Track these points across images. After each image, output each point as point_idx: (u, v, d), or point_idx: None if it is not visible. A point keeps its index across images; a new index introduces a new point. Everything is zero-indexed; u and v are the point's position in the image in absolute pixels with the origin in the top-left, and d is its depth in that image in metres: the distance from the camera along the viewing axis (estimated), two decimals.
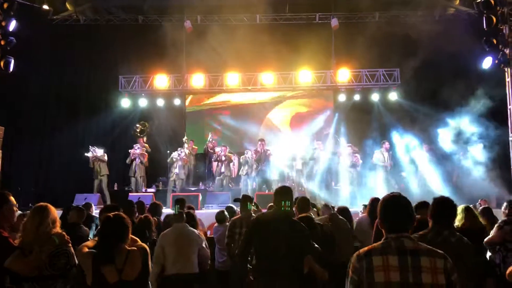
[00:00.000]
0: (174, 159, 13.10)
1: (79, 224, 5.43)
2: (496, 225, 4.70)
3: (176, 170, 12.96)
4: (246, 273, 3.94)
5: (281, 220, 3.83)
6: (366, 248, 2.41)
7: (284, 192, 4.00)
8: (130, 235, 3.19)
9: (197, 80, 15.26)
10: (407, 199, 2.43)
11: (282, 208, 3.87)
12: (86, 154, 12.93)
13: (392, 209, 2.40)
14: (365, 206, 7.13)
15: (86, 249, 3.15)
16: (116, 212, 3.27)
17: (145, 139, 13.98)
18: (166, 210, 8.40)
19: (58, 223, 3.52)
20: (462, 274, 2.95)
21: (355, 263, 2.38)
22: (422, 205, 4.85)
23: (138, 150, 13.20)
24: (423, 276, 2.21)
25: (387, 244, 2.29)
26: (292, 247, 3.69)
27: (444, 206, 3.19)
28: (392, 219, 2.36)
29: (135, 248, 3.10)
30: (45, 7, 14.26)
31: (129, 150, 13.30)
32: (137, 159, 13.13)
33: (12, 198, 3.58)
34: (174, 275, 4.62)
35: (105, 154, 13.03)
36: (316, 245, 4.05)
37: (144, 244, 3.21)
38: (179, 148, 13.39)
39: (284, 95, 16.18)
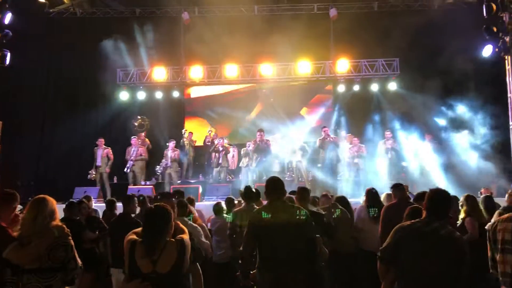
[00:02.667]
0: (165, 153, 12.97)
1: (69, 218, 5.49)
2: (496, 212, 4.67)
3: (169, 163, 12.82)
4: (250, 268, 3.90)
5: (281, 210, 3.84)
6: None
7: (274, 182, 4.02)
8: (176, 224, 3.17)
9: (196, 72, 15.20)
10: None
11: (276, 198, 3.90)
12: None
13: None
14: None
15: (130, 236, 3.09)
16: (159, 204, 3.18)
17: (145, 134, 13.94)
18: None
19: (57, 215, 3.50)
20: (448, 269, 2.93)
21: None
22: (423, 196, 4.84)
23: (134, 154, 12.80)
24: None
25: None
26: (299, 234, 3.73)
27: (438, 198, 3.15)
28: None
29: (173, 240, 3.03)
30: (41, 0, 14.14)
31: (126, 158, 12.87)
32: (133, 155, 12.89)
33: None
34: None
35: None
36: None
37: (184, 236, 3.10)
38: (169, 140, 13.26)
39: (283, 86, 16.09)
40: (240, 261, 3.97)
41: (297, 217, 3.83)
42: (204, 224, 6.34)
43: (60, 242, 3.36)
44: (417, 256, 2.98)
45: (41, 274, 3.27)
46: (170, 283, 2.95)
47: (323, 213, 5.19)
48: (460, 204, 5.04)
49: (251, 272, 3.89)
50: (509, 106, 12.09)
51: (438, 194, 3.17)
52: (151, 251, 2.94)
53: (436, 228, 3.01)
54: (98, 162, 12.60)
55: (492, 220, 4.75)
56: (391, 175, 12.55)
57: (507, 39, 11.78)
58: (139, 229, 3.13)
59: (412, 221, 3.18)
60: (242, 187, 6.22)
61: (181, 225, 3.25)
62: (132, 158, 12.76)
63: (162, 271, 2.93)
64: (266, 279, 3.75)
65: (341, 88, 15.48)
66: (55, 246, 3.32)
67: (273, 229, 3.76)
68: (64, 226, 3.49)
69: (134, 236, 3.07)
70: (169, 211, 3.07)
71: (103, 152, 12.64)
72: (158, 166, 13.12)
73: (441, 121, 13.88)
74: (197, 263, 3.36)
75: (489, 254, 3.46)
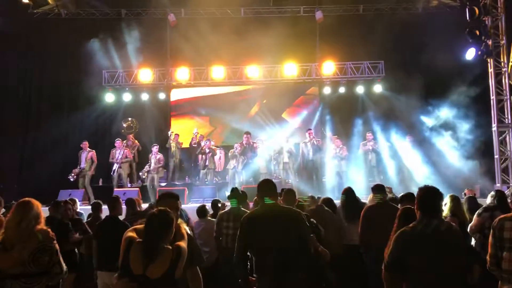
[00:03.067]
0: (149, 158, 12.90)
1: (55, 218, 5.54)
2: (476, 213, 4.77)
3: (152, 167, 12.70)
4: (247, 275, 3.77)
5: (272, 213, 3.76)
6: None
7: (266, 184, 3.99)
8: (178, 228, 3.12)
9: (182, 73, 15.15)
10: None
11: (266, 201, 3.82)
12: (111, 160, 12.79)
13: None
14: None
15: (129, 234, 3.04)
16: (163, 208, 3.09)
17: (133, 135, 13.88)
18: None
19: (43, 219, 3.44)
20: (454, 261, 3.00)
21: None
22: (408, 197, 4.91)
23: (119, 156, 12.73)
24: None
25: None
26: (293, 235, 3.66)
27: (430, 195, 3.17)
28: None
29: (169, 248, 2.97)
30: (25, 0, 13.95)
31: (110, 160, 12.84)
32: (119, 157, 12.81)
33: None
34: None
35: None
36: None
37: (182, 243, 3.03)
38: (152, 145, 13.17)
39: (269, 88, 16.11)
40: (235, 268, 3.85)
41: (290, 217, 3.78)
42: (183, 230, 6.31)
43: (45, 246, 3.30)
44: (426, 259, 2.99)
45: (25, 279, 3.21)
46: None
47: (308, 215, 5.20)
48: (444, 203, 5.12)
49: (251, 277, 3.77)
50: (492, 108, 12.32)
51: (429, 192, 3.19)
52: (146, 255, 2.91)
53: (436, 227, 3.04)
54: (82, 164, 12.49)
55: (472, 222, 4.90)
56: (373, 176, 12.68)
57: (490, 42, 12.02)
58: (141, 226, 3.08)
59: (411, 225, 3.14)
60: (228, 190, 6.21)
61: (183, 230, 3.18)
62: (118, 160, 12.68)
63: (151, 276, 2.90)
64: (264, 284, 3.66)
65: (326, 90, 15.57)
66: (39, 250, 3.26)
67: (265, 231, 3.68)
68: (49, 230, 3.41)
69: (134, 234, 3.04)
70: (171, 216, 3.02)
71: (87, 155, 12.53)
72: (141, 172, 13.06)
73: (426, 123, 14.04)
74: (196, 266, 3.28)
75: (490, 251, 3.49)
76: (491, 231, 3.49)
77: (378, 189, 5.62)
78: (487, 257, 3.53)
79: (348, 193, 6.17)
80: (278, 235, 3.62)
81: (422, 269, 2.99)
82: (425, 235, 3.03)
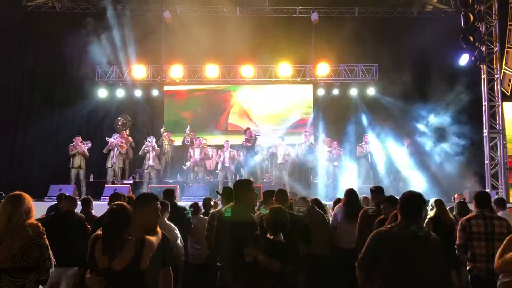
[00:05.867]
0: (146, 150, 12.90)
1: (72, 212, 5.49)
2: (458, 229, 4.73)
3: (150, 162, 12.76)
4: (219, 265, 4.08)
5: (236, 211, 3.99)
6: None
7: (238, 186, 4.14)
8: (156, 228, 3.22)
9: (176, 71, 15.11)
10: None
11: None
12: (107, 138, 12.93)
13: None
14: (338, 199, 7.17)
15: (96, 232, 3.15)
16: (119, 203, 3.21)
17: (127, 132, 13.84)
18: None
19: (33, 213, 3.41)
20: (430, 267, 2.99)
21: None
22: (391, 199, 4.93)
23: (116, 139, 12.94)
24: None
25: None
26: (238, 238, 3.79)
27: (412, 201, 3.17)
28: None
29: (132, 239, 3.03)
30: None
31: (107, 139, 13.05)
32: (115, 150, 12.89)
33: None
34: None
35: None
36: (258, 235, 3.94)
37: (149, 236, 3.11)
38: (148, 137, 13.20)
39: (263, 88, 16.12)
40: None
41: (242, 218, 3.87)
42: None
43: (34, 242, 3.26)
44: (397, 261, 2.98)
45: (14, 273, 3.18)
46: (124, 280, 2.97)
47: (301, 215, 5.22)
48: (430, 207, 5.16)
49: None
50: (484, 114, 12.43)
51: (411, 197, 3.19)
52: (107, 248, 3.00)
53: (414, 232, 3.03)
54: (76, 160, 12.46)
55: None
56: (367, 179, 12.74)
57: (483, 48, 12.13)
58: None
59: (388, 226, 3.18)
60: (220, 188, 6.21)
61: (157, 229, 3.24)
62: (114, 142, 12.80)
63: (116, 268, 2.95)
64: (227, 276, 3.93)
65: (320, 92, 15.61)
66: (29, 245, 3.23)
67: (225, 228, 3.95)
68: (39, 225, 3.37)
69: (99, 232, 3.13)
70: (128, 210, 3.13)
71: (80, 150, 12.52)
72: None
73: (418, 127, 14.13)
74: (169, 267, 3.32)
75: (460, 242, 4.47)
76: (462, 227, 4.45)
77: (376, 192, 5.64)
78: (457, 245, 4.49)
79: (350, 195, 6.16)
80: (229, 234, 3.91)
81: (395, 272, 2.98)
82: (399, 238, 3.02)
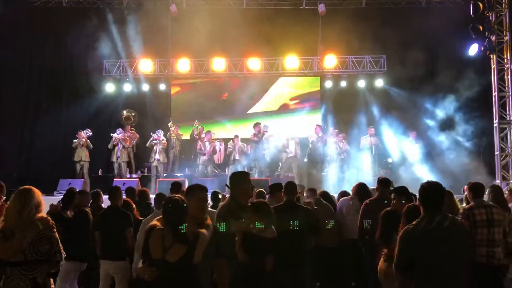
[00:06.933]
0: (153, 143, 12.95)
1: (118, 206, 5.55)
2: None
3: (157, 155, 12.81)
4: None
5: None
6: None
7: (234, 178, 4.11)
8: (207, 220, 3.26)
9: (183, 65, 15.08)
10: None
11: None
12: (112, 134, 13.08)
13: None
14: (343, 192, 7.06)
15: (153, 222, 3.18)
16: (177, 196, 3.21)
17: (132, 127, 13.91)
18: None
19: (43, 207, 3.42)
20: (458, 256, 2.99)
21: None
22: (400, 190, 4.87)
23: (120, 134, 13.04)
24: None
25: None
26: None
27: (432, 191, 3.15)
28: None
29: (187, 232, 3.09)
30: None
31: (111, 134, 13.16)
32: (119, 144, 12.99)
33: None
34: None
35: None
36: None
37: (202, 230, 3.14)
38: (157, 131, 13.24)
39: (271, 81, 16.07)
40: None
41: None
42: None
43: (45, 235, 3.28)
44: (430, 256, 2.99)
45: (26, 266, 3.20)
46: (177, 273, 3.00)
47: (311, 208, 5.18)
48: None
49: None
50: (494, 105, 12.30)
51: (431, 188, 3.16)
52: (167, 239, 3.02)
53: (439, 222, 3.02)
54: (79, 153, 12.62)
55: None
56: (374, 171, 12.68)
57: (493, 38, 11.96)
58: (161, 217, 3.19)
59: (414, 222, 3.13)
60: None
61: (209, 221, 3.27)
62: (118, 137, 12.97)
63: (170, 260, 2.98)
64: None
65: (328, 84, 15.52)
66: (39, 239, 3.24)
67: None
68: (49, 218, 3.40)
69: (156, 223, 3.15)
70: (184, 203, 3.14)
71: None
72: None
73: (427, 118, 14.01)
74: (223, 259, 3.34)
75: None
76: (465, 217, 4.62)
77: (382, 183, 5.57)
78: None
79: (360, 189, 6.09)
80: None
81: (428, 266, 2.98)
82: (428, 232, 3.01)
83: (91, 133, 13.00)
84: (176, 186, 6.02)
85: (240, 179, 4.08)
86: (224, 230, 3.69)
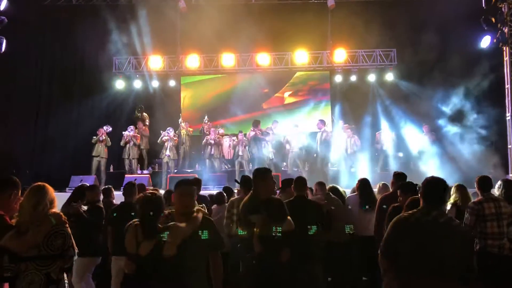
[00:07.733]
0: (164, 140, 13.01)
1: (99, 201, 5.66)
2: (467, 212, 4.76)
3: (167, 152, 12.87)
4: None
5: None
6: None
7: (256, 175, 4.19)
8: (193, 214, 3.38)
9: (192, 61, 15.10)
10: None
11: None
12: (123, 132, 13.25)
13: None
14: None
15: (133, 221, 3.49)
16: (152, 192, 3.55)
17: (146, 122, 14.00)
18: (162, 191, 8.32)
19: (56, 203, 3.46)
20: (451, 253, 2.91)
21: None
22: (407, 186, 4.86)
23: (131, 132, 13.13)
24: None
25: None
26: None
27: (433, 186, 3.11)
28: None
29: (159, 226, 3.33)
30: None
31: (123, 132, 13.24)
32: (130, 142, 13.09)
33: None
34: None
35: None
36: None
37: (176, 224, 3.27)
38: (167, 128, 13.29)
39: (280, 76, 16.02)
40: None
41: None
42: None
43: (58, 230, 3.32)
44: (418, 247, 2.93)
45: (40, 261, 3.24)
46: (148, 265, 3.19)
47: (322, 203, 5.16)
48: (452, 193, 5.16)
49: None
50: (506, 97, 12.13)
51: (434, 182, 3.12)
52: (139, 235, 3.28)
53: (435, 217, 2.97)
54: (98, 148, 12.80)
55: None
56: (386, 166, 12.60)
57: (506, 30, 11.78)
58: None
59: (410, 212, 3.12)
60: (238, 177, 6.22)
61: (195, 214, 3.31)
62: (129, 135, 13.11)
63: (141, 254, 3.23)
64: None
65: (338, 78, 15.44)
66: (53, 234, 3.28)
67: None
68: (61, 214, 3.44)
69: (136, 220, 3.44)
70: (159, 199, 3.42)
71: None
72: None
73: (438, 111, 13.89)
74: (218, 252, 3.38)
75: (469, 224, 4.71)
76: (473, 211, 4.73)
77: (398, 177, 5.55)
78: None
79: (362, 184, 6.10)
80: None
81: (416, 258, 2.92)
82: (422, 223, 2.97)
83: (111, 129, 13.13)
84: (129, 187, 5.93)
85: (264, 176, 4.12)
86: (248, 226, 3.80)
